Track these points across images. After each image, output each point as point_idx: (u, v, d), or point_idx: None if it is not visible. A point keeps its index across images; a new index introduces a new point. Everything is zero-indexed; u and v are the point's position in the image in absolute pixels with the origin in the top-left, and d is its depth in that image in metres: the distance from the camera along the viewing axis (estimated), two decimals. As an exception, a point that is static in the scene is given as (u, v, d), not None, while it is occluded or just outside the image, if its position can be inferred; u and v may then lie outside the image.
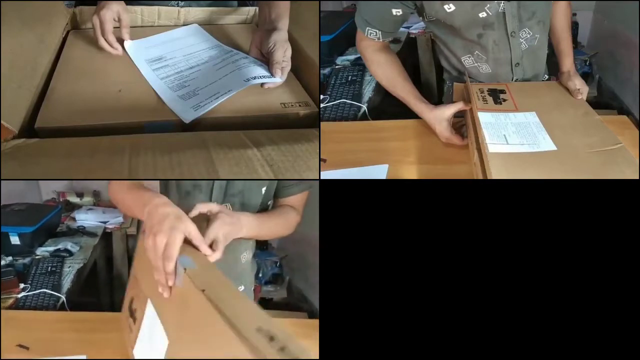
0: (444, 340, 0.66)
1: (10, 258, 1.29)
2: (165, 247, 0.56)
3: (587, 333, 0.64)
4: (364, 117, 1.25)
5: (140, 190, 0.69)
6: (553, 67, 1.08)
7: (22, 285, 1.08)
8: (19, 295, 1.02)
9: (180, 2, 1.12)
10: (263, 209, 0.82)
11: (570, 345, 0.65)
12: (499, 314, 0.65)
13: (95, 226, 1.73)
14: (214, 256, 0.61)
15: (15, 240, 1.31)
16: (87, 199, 1.95)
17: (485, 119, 0.84)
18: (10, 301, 1.02)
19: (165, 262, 0.56)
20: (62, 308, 1.19)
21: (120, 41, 0.95)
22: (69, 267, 1.41)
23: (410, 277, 0.66)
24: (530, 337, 0.65)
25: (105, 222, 1.75)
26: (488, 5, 0.91)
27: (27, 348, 0.74)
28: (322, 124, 0.95)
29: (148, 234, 0.58)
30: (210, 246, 0.62)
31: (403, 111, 1.05)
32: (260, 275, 1.46)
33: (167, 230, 0.57)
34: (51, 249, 1.50)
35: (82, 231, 1.68)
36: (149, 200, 0.63)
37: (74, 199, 1.94)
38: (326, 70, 1.51)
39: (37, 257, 1.41)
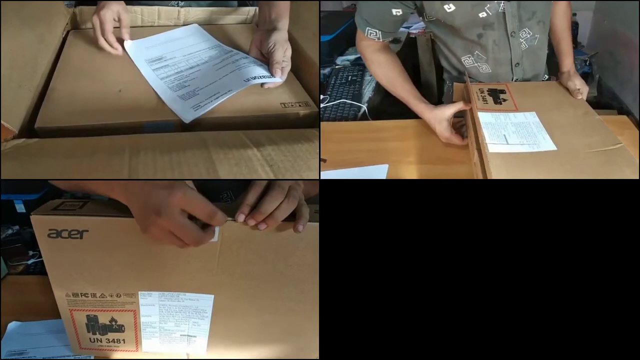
0: (445, 340, 0.66)
1: (17, 227, 1.26)
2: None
3: (587, 333, 0.64)
4: (364, 117, 1.25)
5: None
6: (553, 67, 1.08)
7: (31, 253, 1.07)
8: (29, 262, 1.01)
9: (180, 2, 1.12)
10: None
11: (570, 345, 0.65)
12: (499, 314, 0.65)
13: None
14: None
15: (20, 208, 1.27)
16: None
17: (485, 119, 0.84)
18: (21, 268, 1.01)
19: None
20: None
21: (120, 41, 0.95)
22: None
23: (411, 277, 0.66)
24: (531, 337, 0.65)
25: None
26: (488, 5, 0.92)
27: None
28: (322, 124, 0.95)
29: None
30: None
31: (403, 111, 1.05)
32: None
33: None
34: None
35: (88, 199, 1.65)
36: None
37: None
38: (326, 70, 1.51)
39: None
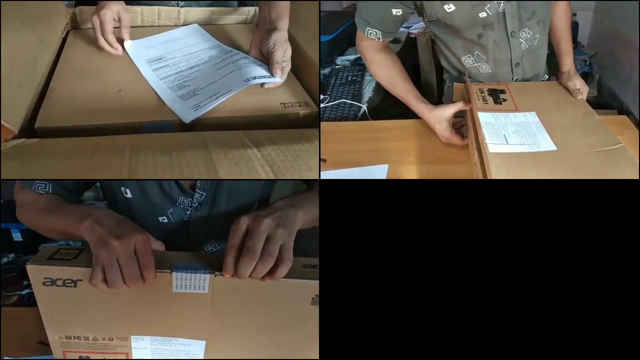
0: (445, 340, 0.66)
1: (12, 255, 1.27)
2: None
3: (587, 333, 0.64)
4: (364, 117, 1.25)
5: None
6: (553, 67, 1.08)
7: (25, 282, 1.07)
8: (23, 292, 1.01)
9: (180, 2, 1.12)
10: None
11: (570, 345, 0.65)
12: (499, 314, 0.65)
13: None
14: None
15: (17, 237, 1.29)
16: (89, 194, 1.94)
17: (485, 119, 0.84)
18: (15, 298, 1.01)
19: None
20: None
21: (120, 41, 0.95)
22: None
23: (411, 277, 0.66)
24: (531, 337, 0.65)
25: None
26: (488, 5, 0.91)
27: (48, 345, 0.70)
28: (322, 124, 0.95)
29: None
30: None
31: (403, 111, 1.05)
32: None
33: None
34: (55, 245, 1.46)
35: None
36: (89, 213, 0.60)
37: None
38: (326, 70, 1.51)
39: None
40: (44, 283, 0.57)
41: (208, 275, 0.57)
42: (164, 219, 0.76)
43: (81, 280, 0.57)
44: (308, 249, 0.64)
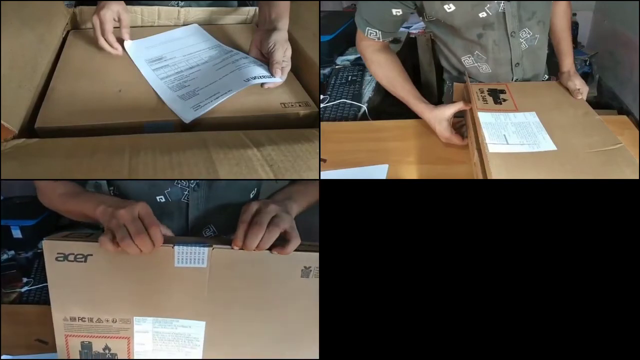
0: (444, 340, 0.66)
1: (12, 252, 1.29)
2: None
3: (587, 333, 0.64)
4: (364, 117, 1.25)
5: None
6: (553, 67, 1.08)
7: (25, 280, 1.07)
8: (22, 290, 1.00)
9: (180, 2, 1.12)
10: None
11: (570, 345, 0.65)
12: (499, 314, 0.65)
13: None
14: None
15: (17, 233, 1.30)
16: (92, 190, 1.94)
17: (485, 119, 0.84)
18: (14, 296, 1.00)
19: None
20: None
21: (120, 41, 0.95)
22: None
23: (411, 277, 0.66)
24: (531, 337, 0.65)
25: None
26: (488, 5, 0.91)
27: (47, 342, 0.73)
28: (322, 124, 0.95)
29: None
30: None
31: (403, 111, 1.05)
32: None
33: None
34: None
35: (84, 224, 1.66)
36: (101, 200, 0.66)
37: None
38: (326, 70, 1.51)
39: (39, 250, 1.39)
40: (56, 258, 0.60)
41: (206, 249, 0.60)
42: (162, 198, 0.76)
43: (91, 255, 0.60)
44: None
